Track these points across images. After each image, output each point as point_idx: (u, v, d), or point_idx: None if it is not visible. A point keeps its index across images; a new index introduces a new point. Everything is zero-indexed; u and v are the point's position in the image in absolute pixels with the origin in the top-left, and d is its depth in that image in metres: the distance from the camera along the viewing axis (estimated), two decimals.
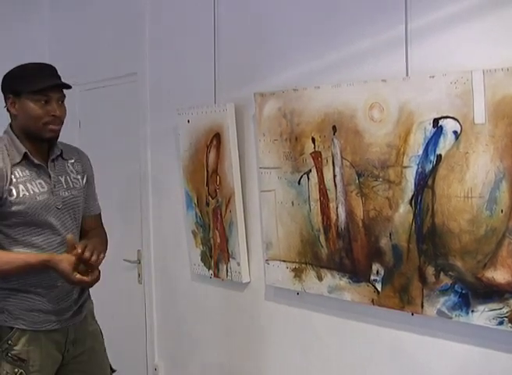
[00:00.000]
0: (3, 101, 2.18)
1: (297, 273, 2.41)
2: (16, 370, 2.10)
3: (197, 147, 2.79)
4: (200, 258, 2.88)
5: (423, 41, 2.02)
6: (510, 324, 1.82)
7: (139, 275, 3.36)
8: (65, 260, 2.06)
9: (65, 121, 2.23)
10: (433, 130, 1.94)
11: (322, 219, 2.30)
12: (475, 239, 1.87)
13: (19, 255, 2.10)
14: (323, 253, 2.31)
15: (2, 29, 3.63)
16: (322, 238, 2.30)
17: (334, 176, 2.24)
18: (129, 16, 3.27)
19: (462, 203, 1.89)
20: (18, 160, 2.12)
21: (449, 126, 1.90)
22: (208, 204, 2.79)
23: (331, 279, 2.29)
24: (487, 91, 1.80)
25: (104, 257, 2.14)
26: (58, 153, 2.25)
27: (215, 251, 2.79)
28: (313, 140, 2.29)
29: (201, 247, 2.86)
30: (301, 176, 2.35)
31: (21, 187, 2.10)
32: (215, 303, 2.91)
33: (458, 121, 1.88)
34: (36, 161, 2.16)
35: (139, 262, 3.35)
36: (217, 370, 2.94)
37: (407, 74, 2.05)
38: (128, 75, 3.27)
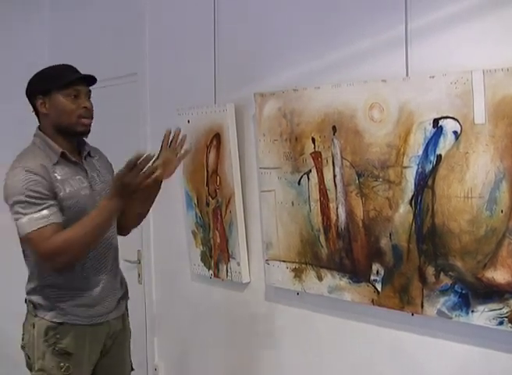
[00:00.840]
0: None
1: (297, 273, 2.41)
2: (62, 364, 2.12)
3: (197, 147, 2.79)
4: (200, 258, 2.88)
5: (423, 41, 2.02)
6: (510, 324, 1.82)
7: (139, 275, 3.36)
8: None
9: None
10: (433, 130, 1.94)
11: (322, 219, 2.30)
12: (475, 239, 1.87)
13: (94, 211, 2.08)
14: (323, 253, 2.31)
15: (2, 29, 3.63)
16: (322, 238, 2.30)
17: (334, 176, 2.24)
18: (129, 16, 3.27)
19: (462, 203, 1.89)
20: (56, 160, 2.14)
21: (449, 126, 1.90)
22: (208, 204, 2.79)
23: (331, 279, 2.29)
24: (487, 91, 1.80)
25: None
26: (88, 150, 2.29)
27: (215, 252, 2.79)
28: (313, 140, 2.29)
29: (201, 247, 2.86)
30: (301, 177, 2.35)
31: (66, 183, 2.13)
32: (215, 303, 2.91)
33: (458, 121, 1.88)
34: (73, 158, 2.19)
35: (139, 262, 3.35)
36: (217, 370, 2.93)
37: (406, 74, 2.05)
38: (128, 75, 3.27)
